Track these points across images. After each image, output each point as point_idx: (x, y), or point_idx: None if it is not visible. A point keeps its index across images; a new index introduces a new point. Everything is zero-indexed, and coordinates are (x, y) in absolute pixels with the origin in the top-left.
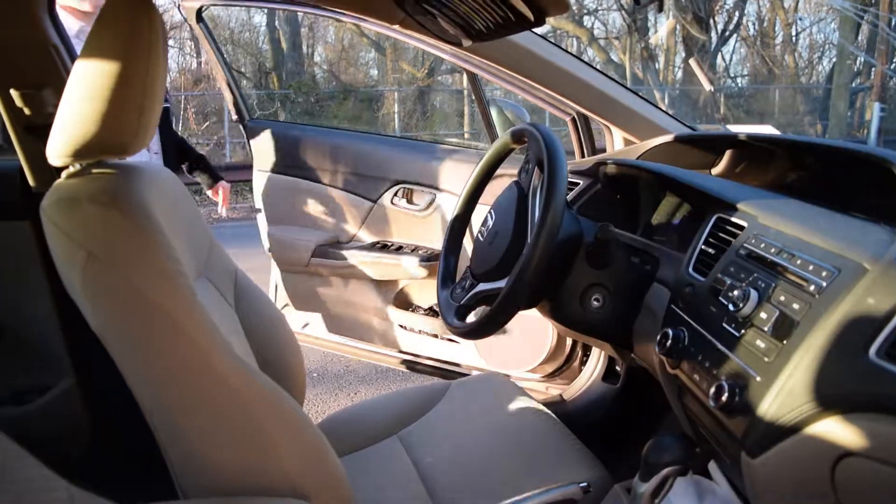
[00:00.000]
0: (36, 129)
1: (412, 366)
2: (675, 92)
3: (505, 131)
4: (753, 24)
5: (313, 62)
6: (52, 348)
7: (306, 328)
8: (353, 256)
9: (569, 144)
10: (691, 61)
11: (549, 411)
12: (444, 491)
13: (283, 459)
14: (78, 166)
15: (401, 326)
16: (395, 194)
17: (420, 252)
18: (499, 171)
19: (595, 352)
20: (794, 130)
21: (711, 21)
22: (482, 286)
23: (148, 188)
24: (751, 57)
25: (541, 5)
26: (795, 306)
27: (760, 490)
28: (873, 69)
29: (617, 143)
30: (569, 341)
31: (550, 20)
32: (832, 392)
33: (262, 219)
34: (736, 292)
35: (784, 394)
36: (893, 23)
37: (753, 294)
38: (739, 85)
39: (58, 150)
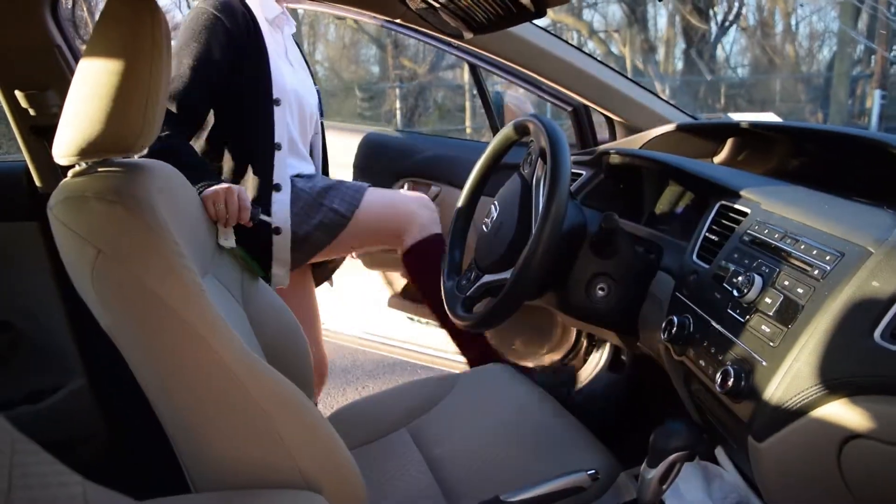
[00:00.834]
0: (41, 130)
1: (420, 357)
2: (675, 83)
3: (507, 123)
4: (753, 13)
5: (315, 60)
6: (62, 348)
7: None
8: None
9: (571, 136)
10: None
11: (556, 401)
12: (453, 482)
13: (294, 453)
14: (84, 165)
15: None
16: (401, 188)
17: None
18: (502, 164)
19: (601, 341)
20: (796, 119)
21: (711, 11)
22: (488, 277)
23: (154, 186)
24: (751, 47)
25: None
26: (800, 291)
27: (767, 474)
28: (874, 57)
29: (619, 133)
30: (574, 331)
31: (550, 13)
32: (838, 375)
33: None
34: (740, 278)
35: (790, 378)
36: (893, 9)
37: (758, 280)
38: (740, 75)
39: (63, 149)
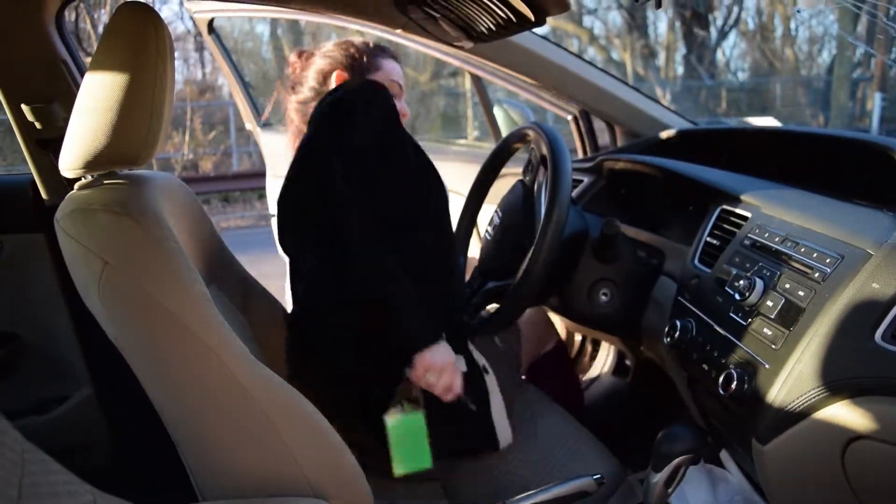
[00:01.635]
0: (47, 143)
1: None
2: (676, 88)
3: (509, 131)
4: (753, 18)
5: None
6: (69, 358)
7: None
8: None
9: (571, 143)
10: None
11: (560, 406)
12: (458, 486)
13: (300, 460)
14: (90, 178)
15: None
16: None
17: None
18: (504, 171)
19: (604, 346)
20: (796, 123)
21: (711, 16)
22: (491, 283)
23: (159, 197)
24: (751, 51)
25: (541, 5)
26: (801, 293)
27: (772, 476)
28: (873, 59)
29: (620, 139)
30: (578, 336)
31: (550, 20)
32: (840, 377)
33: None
34: (742, 282)
35: (792, 380)
36: (892, 12)
37: (759, 283)
38: (740, 79)
39: (70, 162)
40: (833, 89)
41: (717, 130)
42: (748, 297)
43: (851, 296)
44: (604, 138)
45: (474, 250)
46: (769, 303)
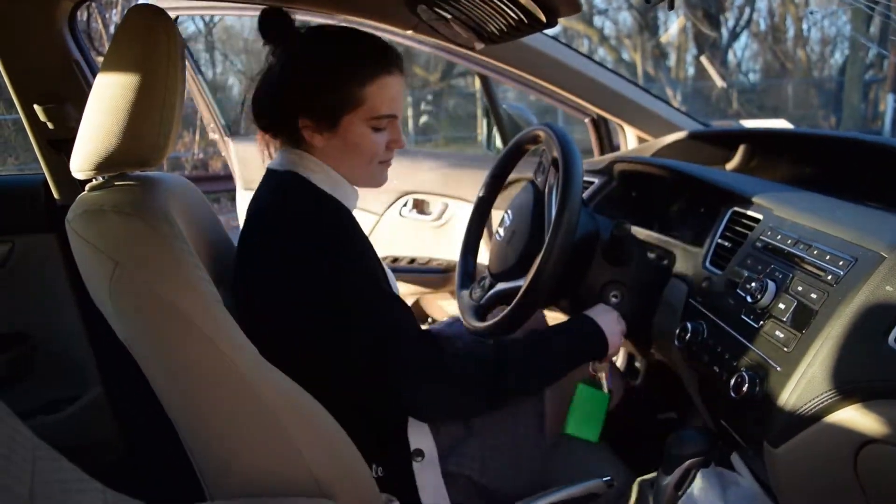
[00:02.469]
0: (59, 143)
1: None
2: (687, 89)
3: (518, 133)
4: (764, 19)
5: None
6: (79, 358)
7: None
8: None
9: (583, 144)
10: (702, 58)
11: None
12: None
13: (308, 460)
14: (101, 179)
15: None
16: (404, 205)
17: (434, 264)
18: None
19: None
20: (808, 124)
21: (722, 17)
22: (501, 285)
23: (169, 199)
24: (762, 52)
25: (553, 6)
26: (813, 296)
27: (784, 480)
28: (886, 60)
29: (630, 141)
30: None
31: (560, 21)
32: (852, 380)
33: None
34: (754, 284)
35: (804, 383)
36: None
37: (771, 285)
38: (752, 80)
39: (81, 163)
40: (845, 91)
41: (728, 132)
42: (760, 299)
43: (864, 299)
44: (616, 139)
45: (484, 252)
46: (781, 305)
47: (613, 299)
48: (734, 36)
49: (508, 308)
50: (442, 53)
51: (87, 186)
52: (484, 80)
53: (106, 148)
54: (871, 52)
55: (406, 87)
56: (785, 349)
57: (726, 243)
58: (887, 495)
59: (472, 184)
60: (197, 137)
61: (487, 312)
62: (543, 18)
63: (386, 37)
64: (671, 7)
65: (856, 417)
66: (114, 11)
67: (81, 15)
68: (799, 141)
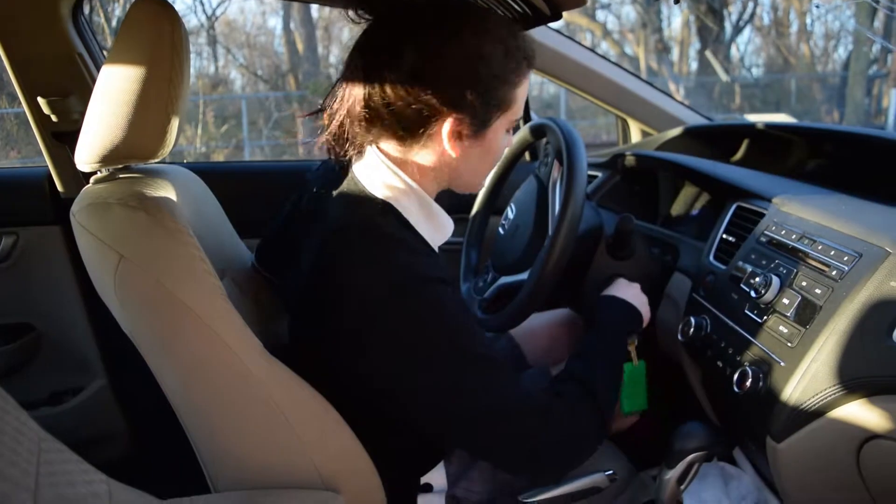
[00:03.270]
0: (63, 136)
1: None
2: (690, 83)
3: (523, 126)
4: (768, 13)
5: (329, 63)
6: (84, 350)
7: None
8: None
9: (586, 139)
10: (707, 52)
11: None
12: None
13: (312, 453)
14: (106, 171)
15: None
16: None
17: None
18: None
19: None
20: (812, 119)
21: (725, 11)
22: (504, 279)
23: (174, 190)
24: (766, 47)
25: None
26: (818, 291)
27: (786, 474)
28: (890, 55)
29: (634, 135)
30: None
31: (565, 15)
32: (856, 375)
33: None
34: (757, 279)
35: (808, 378)
36: None
37: (775, 280)
38: (755, 75)
39: (86, 156)
40: (849, 86)
41: (732, 126)
42: (764, 294)
43: (869, 294)
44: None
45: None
46: (785, 300)
47: None
48: (737, 30)
49: (512, 302)
50: None
51: (92, 179)
52: None
53: (111, 140)
54: (875, 46)
55: None
56: (788, 344)
57: (730, 238)
58: (890, 490)
59: None
60: (199, 131)
61: (491, 306)
62: (548, 12)
63: None
64: (676, 1)
65: (859, 413)
66: (116, 5)
67: (85, 8)
68: (803, 135)
